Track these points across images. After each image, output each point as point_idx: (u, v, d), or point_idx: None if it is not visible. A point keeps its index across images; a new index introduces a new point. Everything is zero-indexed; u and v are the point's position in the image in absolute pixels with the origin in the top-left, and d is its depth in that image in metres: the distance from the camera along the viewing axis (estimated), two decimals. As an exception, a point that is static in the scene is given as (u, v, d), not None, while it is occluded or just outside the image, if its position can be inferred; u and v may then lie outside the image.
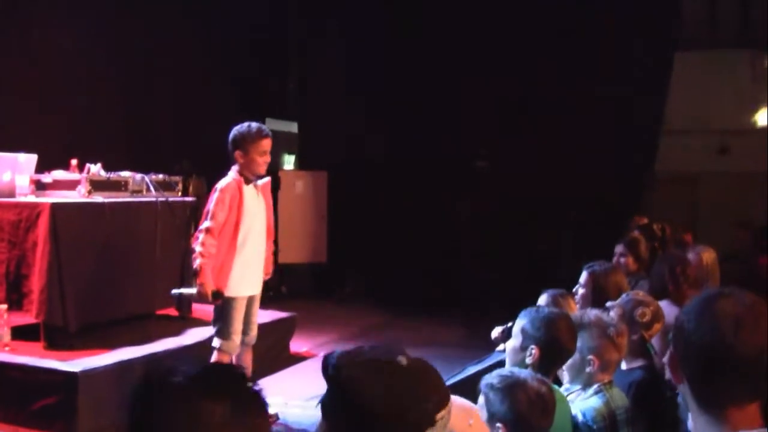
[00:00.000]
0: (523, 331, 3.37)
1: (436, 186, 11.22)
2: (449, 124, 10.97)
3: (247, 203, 5.41)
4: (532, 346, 3.31)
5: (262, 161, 5.40)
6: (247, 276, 5.48)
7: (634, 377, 4.01)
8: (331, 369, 1.72)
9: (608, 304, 4.34)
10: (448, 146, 11.07)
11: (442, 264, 11.07)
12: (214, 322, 5.52)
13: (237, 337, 5.48)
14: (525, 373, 2.98)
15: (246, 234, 5.43)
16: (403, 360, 1.76)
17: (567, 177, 10.41)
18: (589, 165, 10.29)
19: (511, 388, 2.83)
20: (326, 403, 1.74)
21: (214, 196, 5.36)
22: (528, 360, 3.33)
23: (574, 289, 4.96)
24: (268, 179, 5.66)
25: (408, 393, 1.67)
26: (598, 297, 4.54)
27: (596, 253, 9.07)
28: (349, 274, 11.43)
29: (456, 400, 2.51)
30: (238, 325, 5.46)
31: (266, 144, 5.42)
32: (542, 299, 5.22)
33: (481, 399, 2.87)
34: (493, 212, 10.92)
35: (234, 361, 5.57)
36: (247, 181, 5.44)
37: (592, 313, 3.86)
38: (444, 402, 1.73)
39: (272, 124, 11.33)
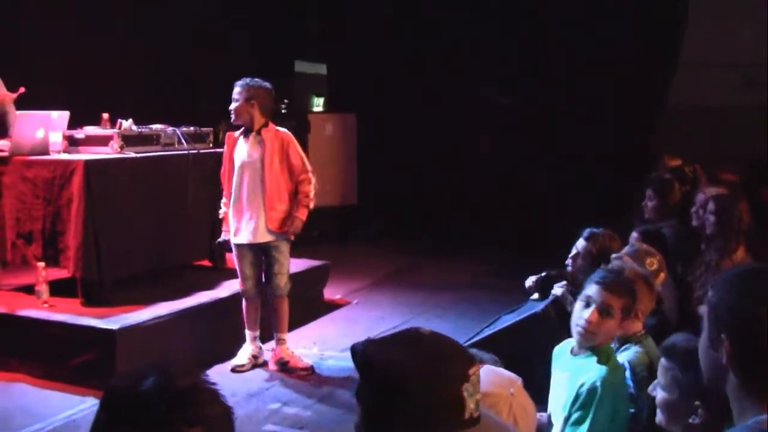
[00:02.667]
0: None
1: (465, 125, 11.14)
2: (475, 63, 10.85)
3: (237, 154, 5.67)
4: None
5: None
6: (243, 225, 5.67)
7: (647, 324, 4.03)
8: (358, 354, 1.76)
9: (614, 255, 4.33)
10: (474, 85, 10.96)
11: (473, 205, 11.04)
12: None
13: (247, 283, 5.78)
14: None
15: (238, 183, 5.67)
16: (424, 330, 1.80)
17: (583, 113, 10.34)
18: (604, 100, 10.18)
19: None
20: (359, 389, 1.76)
21: None
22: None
23: (571, 255, 4.89)
24: (272, 129, 5.68)
25: (434, 352, 1.69)
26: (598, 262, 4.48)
27: (613, 188, 9.15)
28: (379, 216, 11.41)
29: (498, 370, 2.52)
30: (240, 271, 5.77)
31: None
32: (580, 244, 5.10)
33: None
34: (517, 150, 10.86)
35: (247, 308, 5.85)
36: (246, 132, 5.65)
37: (628, 266, 3.85)
38: (473, 359, 1.74)
39: (300, 66, 11.27)
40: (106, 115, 6.46)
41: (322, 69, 11.68)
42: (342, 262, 8.71)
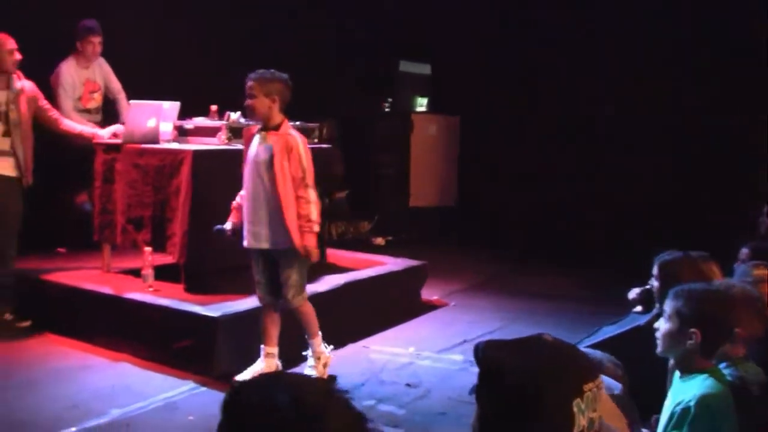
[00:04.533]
0: (679, 313, 3.12)
1: (568, 135, 10.98)
2: (582, 72, 10.69)
3: (250, 151, 5.22)
4: (693, 330, 3.08)
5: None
6: (248, 227, 5.23)
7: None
8: (480, 353, 1.76)
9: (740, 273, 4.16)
10: (580, 94, 10.79)
11: (573, 214, 10.86)
12: None
13: (258, 288, 5.32)
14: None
15: (245, 182, 5.25)
16: (547, 337, 1.78)
17: (689, 124, 10.09)
18: (713, 112, 9.92)
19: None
20: (477, 388, 1.76)
21: None
22: (690, 344, 3.09)
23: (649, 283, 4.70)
24: (283, 132, 5.15)
25: (549, 362, 1.67)
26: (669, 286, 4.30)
27: (721, 208, 8.91)
28: (477, 219, 11.35)
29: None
30: (254, 275, 5.32)
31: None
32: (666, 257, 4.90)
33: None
34: (618, 161, 10.64)
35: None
36: (262, 128, 5.21)
37: (737, 286, 3.70)
38: (591, 375, 1.72)
39: (405, 66, 11.28)
40: (214, 107, 6.60)
41: (426, 69, 11.64)
42: (439, 263, 8.66)
